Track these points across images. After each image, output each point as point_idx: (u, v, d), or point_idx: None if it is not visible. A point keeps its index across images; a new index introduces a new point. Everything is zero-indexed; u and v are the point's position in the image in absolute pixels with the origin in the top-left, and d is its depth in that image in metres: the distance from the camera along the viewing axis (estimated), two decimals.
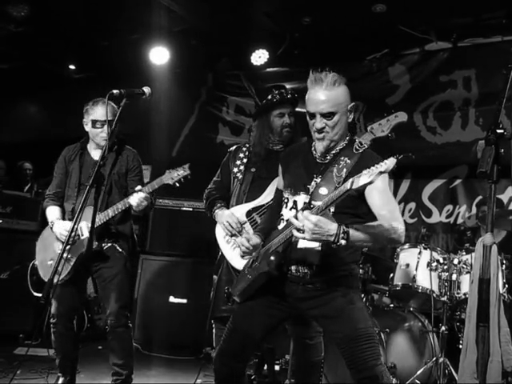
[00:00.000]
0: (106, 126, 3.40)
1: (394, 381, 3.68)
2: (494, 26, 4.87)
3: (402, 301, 4.15)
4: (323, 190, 2.43)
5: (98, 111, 3.50)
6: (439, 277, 3.86)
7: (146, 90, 2.95)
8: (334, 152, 2.54)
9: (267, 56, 5.72)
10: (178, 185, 3.33)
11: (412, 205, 5.29)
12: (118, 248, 3.54)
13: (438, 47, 5.27)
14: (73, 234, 3.09)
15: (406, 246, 4.09)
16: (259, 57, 5.74)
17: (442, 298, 3.84)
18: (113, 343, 3.50)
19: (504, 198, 4.72)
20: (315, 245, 2.41)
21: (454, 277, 3.83)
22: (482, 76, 5.00)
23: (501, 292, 3.75)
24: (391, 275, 4.06)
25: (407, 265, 3.97)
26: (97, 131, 3.53)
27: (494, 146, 1.87)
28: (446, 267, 3.86)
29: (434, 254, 3.91)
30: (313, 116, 2.51)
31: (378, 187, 2.33)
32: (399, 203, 5.31)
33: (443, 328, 3.82)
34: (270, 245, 2.54)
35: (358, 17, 5.06)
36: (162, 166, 6.01)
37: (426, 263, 3.90)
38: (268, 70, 5.85)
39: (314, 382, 3.14)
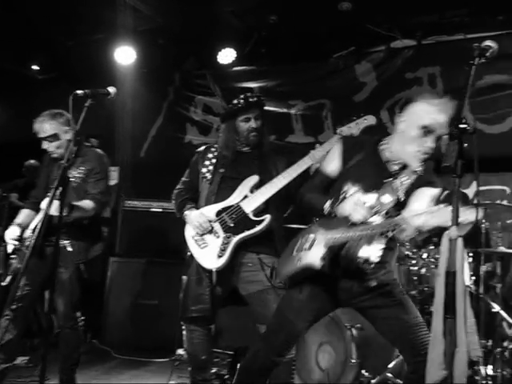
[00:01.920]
0: (49, 142, 3.56)
1: (367, 375, 3.72)
2: (457, 23, 4.94)
3: None
4: (387, 198, 2.53)
5: (37, 128, 3.56)
6: (408, 271, 3.91)
7: (111, 90, 2.93)
8: (401, 166, 2.64)
9: (234, 55, 5.71)
10: None
11: None
12: (69, 249, 3.50)
13: (403, 45, 5.32)
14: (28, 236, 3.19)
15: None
16: (226, 56, 5.72)
17: (412, 292, 3.88)
18: (60, 345, 3.50)
19: (469, 192, 4.80)
20: (380, 246, 2.56)
21: (423, 271, 3.88)
22: (447, 73, 5.07)
23: (467, 284, 3.83)
24: None
25: None
26: (45, 146, 3.58)
27: (457, 140, 1.90)
28: (414, 262, 3.91)
29: (403, 249, 3.96)
30: (428, 133, 2.54)
31: None
32: None
33: None
34: (336, 237, 2.54)
35: (325, 15, 5.09)
36: (130, 167, 6.00)
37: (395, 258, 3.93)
38: (235, 68, 5.84)
39: (286, 380, 3.15)
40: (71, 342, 3.56)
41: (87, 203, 3.48)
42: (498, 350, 3.76)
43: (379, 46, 5.40)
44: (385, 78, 5.36)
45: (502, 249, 3.97)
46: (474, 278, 3.89)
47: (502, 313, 3.81)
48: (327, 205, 2.60)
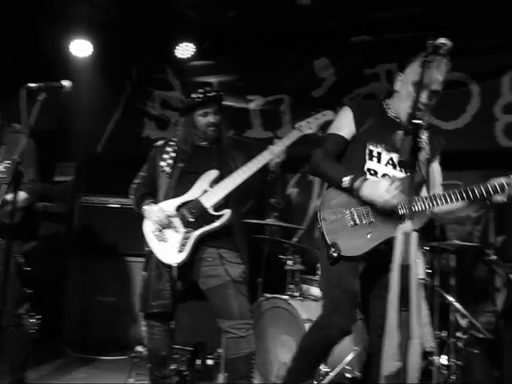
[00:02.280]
0: None
1: (325, 368, 3.76)
2: (413, 21, 5.01)
3: None
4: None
5: None
6: None
7: (66, 83, 2.86)
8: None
9: (193, 49, 5.68)
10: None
11: None
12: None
13: (362, 41, 5.36)
14: None
15: None
16: (185, 50, 5.68)
17: None
18: (5, 345, 3.39)
19: None
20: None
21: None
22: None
23: (422, 277, 3.92)
24: (318, 265, 4.13)
25: None
26: None
27: (412, 135, 1.93)
28: None
29: None
30: (422, 86, 2.63)
31: None
32: None
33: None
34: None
35: (284, 10, 5.10)
36: (86, 163, 5.89)
37: None
38: (194, 63, 5.80)
39: (246, 374, 3.16)
40: (16, 341, 3.43)
41: (19, 194, 3.29)
42: (452, 340, 3.86)
43: (338, 41, 5.43)
44: (343, 73, 5.40)
45: (457, 242, 4.07)
46: (429, 271, 3.97)
47: (456, 304, 3.90)
48: (347, 181, 2.67)
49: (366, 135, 2.78)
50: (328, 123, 3.35)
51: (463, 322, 3.89)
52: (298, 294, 4.13)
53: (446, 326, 3.95)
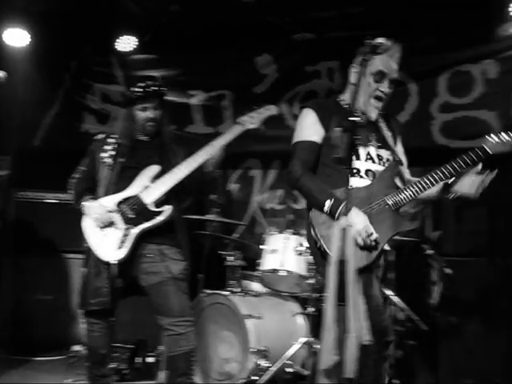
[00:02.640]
0: None
1: (267, 364, 3.78)
2: (354, 19, 5.09)
3: (272, 285, 4.24)
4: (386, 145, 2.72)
5: None
6: (306, 261, 4.00)
7: (0, 73, 2.77)
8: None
9: (134, 42, 5.58)
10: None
11: (280, 192, 5.43)
12: None
13: (304, 38, 5.40)
14: None
15: (274, 231, 4.20)
16: (126, 43, 5.58)
17: (310, 281, 3.99)
18: None
19: None
20: None
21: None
22: (344, 67, 5.21)
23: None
24: (259, 260, 4.15)
25: (275, 250, 4.08)
26: None
27: (349, 132, 1.95)
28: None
29: (302, 238, 4.05)
30: (383, 76, 2.64)
31: None
32: (268, 191, 5.46)
33: (311, 309, 3.98)
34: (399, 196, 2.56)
35: (227, 5, 5.08)
36: (23, 157, 5.70)
37: (294, 248, 4.03)
38: (136, 56, 5.71)
39: (186, 371, 3.14)
40: None
41: None
42: None
43: (280, 38, 5.46)
44: (285, 70, 5.43)
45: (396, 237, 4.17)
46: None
47: (393, 298, 3.99)
48: (327, 205, 2.50)
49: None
50: (271, 118, 3.36)
51: (401, 315, 3.98)
52: (238, 290, 4.14)
53: None
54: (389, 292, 4.03)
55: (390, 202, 2.54)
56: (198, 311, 3.94)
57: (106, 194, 3.21)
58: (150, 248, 3.18)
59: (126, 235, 3.11)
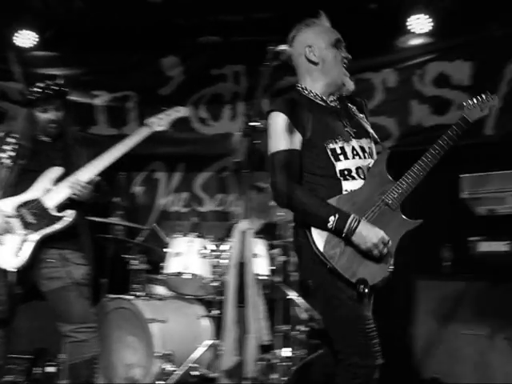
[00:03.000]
0: None
1: (172, 368, 3.76)
2: (261, 24, 5.18)
3: (176, 289, 4.23)
4: (365, 133, 2.49)
5: None
6: (211, 263, 4.02)
7: None
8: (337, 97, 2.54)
9: (35, 38, 5.36)
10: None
11: (185, 195, 5.43)
12: None
13: (210, 41, 5.43)
14: None
15: (178, 234, 4.20)
16: (26, 38, 5.35)
17: (214, 284, 4.01)
18: None
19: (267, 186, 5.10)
20: None
21: (224, 262, 4.02)
22: (250, 71, 5.29)
23: (265, 273, 4.07)
24: (163, 264, 4.13)
25: (179, 253, 4.08)
26: None
27: (248, 137, 1.99)
28: (217, 254, 4.04)
29: (206, 241, 4.07)
30: (338, 42, 2.50)
31: None
32: (173, 194, 5.44)
33: (216, 312, 4.00)
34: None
35: (133, 5, 5.01)
36: None
37: (198, 251, 4.04)
38: (36, 53, 5.49)
39: (88, 379, 3.07)
40: None
41: None
42: (294, 333, 4.05)
43: (187, 40, 5.45)
44: (191, 72, 5.43)
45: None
46: (272, 267, 4.14)
47: (297, 299, 4.10)
48: (332, 221, 2.25)
49: (317, 135, 2.40)
50: (180, 120, 3.35)
51: (303, 315, 4.08)
52: (142, 294, 4.10)
53: (289, 320, 4.12)
54: (292, 293, 4.12)
55: (389, 202, 2.36)
56: (101, 316, 3.86)
57: (4, 196, 3.07)
58: (51, 253, 3.08)
59: (24, 241, 2.99)
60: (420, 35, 5.01)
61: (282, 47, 2.44)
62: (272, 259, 4.15)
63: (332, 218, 2.23)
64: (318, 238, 2.27)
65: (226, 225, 5.05)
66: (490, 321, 3.88)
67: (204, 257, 4.02)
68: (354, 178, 2.38)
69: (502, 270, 3.84)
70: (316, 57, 2.49)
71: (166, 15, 5.16)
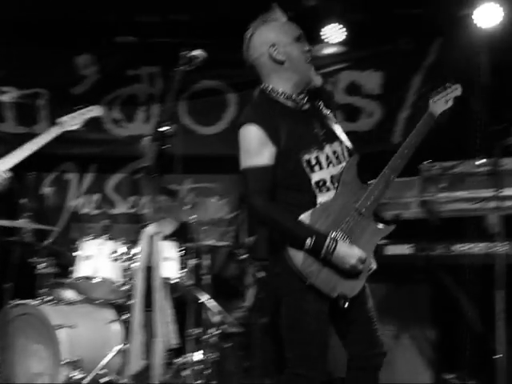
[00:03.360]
0: None
1: (80, 375, 3.66)
2: (179, 27, 5.16)
3: (86, 293, 4.12)
4: (335, 135, 2.41)
5: None
6: (122, 267, 3.96)
7: None
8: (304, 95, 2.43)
9: None
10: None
11: (97, 196, 5.31)
12: None
13: (126, 41, 5.35)
14: None
15: (89, 237, 4.10)
16: None
17: (125, 288, 3.94)
18: None
19: (182, 188, 5.11)
20: None
21: (134, 266, 3.97)
22: (166, 74, 5.26)
23: (176, 277, 4.05)
24: (73, 267, 4.02)
25: (89, 256, 3.99)
26: None
27: (158, 142, 1.99)
28: (128, 257, 3.98)
29: (117, 244, 4.00)
30: (300, 38, 2.39)
31: None
32: (84, 196, 5.31)
33: (126, 316, 3.93)
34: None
35: (46, 0, 4.85)
36: None
37: (109, 254, 3.96)
38: None
39: None
40: None
41: None
42: (206, 336, 4.05)
43: (102, 39, 5.34)
44: (106, 72, 5.32)
45: (210, 242, 4.29)
46: (183, 271, 4.13)
47: (208, 303, 4.11)
48: (309, 243, 2.22)
49: (291, 147, 2.30)
50: (93, 120, 3.28)
51: (215, 319, 4.10)
52: (50, 299, 3.96)
53: (200, 323, 4.13)
54: (205, 296, 4.13)
55: (362, 211, 2.32)
56: (4, 324, 3.70)
57: None
58: None
59: None
60: (333, 45, 5.16)
61: (196, 52, 2.44)
62: (184, 262, 4.15)
63: (309, 241, 2.21)
64: (296, 254, 2.24)
65: (138, 227, 4.98)
66: (396, 320, 4.04)
67: (115, 260, 3.95)
68: (328, 189, 2.34)
69: (405, 271, 4.02)
70: (281, 55, 2.36)
71: (80, 12, 5.03)
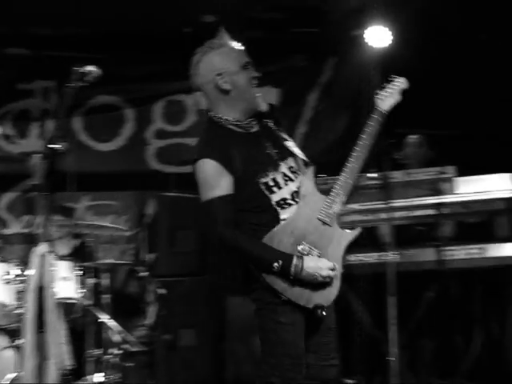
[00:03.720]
0: None
1: None
2: (75, 40, 5.06)
3: None
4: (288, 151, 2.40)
5: None
6: (15, 289, 3.79)
7: None
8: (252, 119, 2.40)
9: None
10: None
11: None
12: None
13: (18, 53, 5.17)
14: None
15: None
16: None
17: (19, 311, 3.77)
18: None
19: (79, 206, 4.99)
20: None
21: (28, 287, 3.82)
22: (61, 88, 5.11)
23: (74, 297, 3.92)
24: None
25: None
26: None
27: (48, 159, 1.95)
28: (22, 279, 3.81)
29: (10, 266, 3.83)
30: (247, 65, 2.34)
31: None
32: None
33: (20, 341, 3.75)
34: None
35: None
36: None
37: (1, 276, 3.79)
38: None
39: None
40: None
41: None
42: (107, 357, 3.96)
43: None
44: None
45: (109, 260, 4.21)
46: (82, 290, 4.01)
47: (108, 322, 4.02)
48: (277, 266, 2.22)
49: (247, 173, 2.32)
50: None
51: (116, 338, 4.02)
52: None
53: (101, 343, 4.03)
54: (105, 316, 4.03)
55: (326, 220, 2.33)
56: None
57: None
58: None
59: None
60: None
61: (89, 68, 2.41)
62: (82, 282, 4.04)
63: (276, 265, 2.22)
64: (270, 278, 2.26)
65: (32, 248, 4.80)
66: None
67: (7, 282, 3.78)
68: (290, 205, 2.34)
69: None
70: (228, 84, 2.35)
71: None
